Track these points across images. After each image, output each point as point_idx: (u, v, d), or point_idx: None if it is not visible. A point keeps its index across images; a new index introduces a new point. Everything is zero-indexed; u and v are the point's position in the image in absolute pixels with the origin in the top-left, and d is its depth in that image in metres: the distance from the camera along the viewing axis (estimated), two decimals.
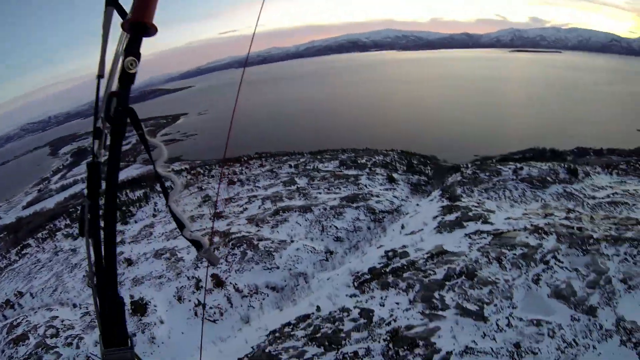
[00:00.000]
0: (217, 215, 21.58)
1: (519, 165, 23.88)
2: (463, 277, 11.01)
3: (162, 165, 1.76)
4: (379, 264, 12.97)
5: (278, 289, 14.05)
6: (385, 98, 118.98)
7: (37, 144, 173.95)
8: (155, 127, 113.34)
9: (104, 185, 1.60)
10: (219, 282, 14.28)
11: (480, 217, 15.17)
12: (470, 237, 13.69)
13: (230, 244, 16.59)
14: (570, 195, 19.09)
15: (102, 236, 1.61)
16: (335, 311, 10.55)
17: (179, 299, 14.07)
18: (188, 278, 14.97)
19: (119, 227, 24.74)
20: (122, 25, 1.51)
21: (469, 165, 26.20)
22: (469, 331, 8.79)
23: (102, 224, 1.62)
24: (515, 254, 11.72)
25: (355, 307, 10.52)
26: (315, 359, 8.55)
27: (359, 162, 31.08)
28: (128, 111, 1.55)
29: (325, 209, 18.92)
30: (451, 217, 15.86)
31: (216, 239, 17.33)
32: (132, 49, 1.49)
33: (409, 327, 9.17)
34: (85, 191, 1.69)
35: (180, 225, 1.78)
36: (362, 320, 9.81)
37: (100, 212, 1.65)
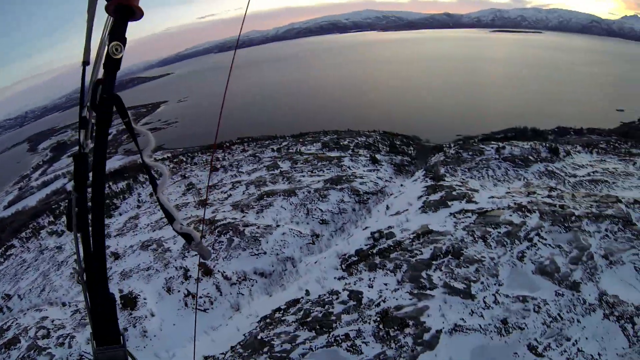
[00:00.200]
0: (202, 203, 21.41)
1: (501, 144, 24.23)
2: (449, 256, 11.22)
3: (150, 154, 1.72)
4: (366, 245, 13.08)
5: (266, 275, 14.07)
6: (365, 79, 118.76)
7: (15, 140, 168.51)
8: (135, 117, 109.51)
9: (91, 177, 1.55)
10: (207, 271, 14.21)
11: (464, 196, 15.38)
12: (455, 217, 13.90)
13: (216, 231, 16.49)
14: (552, 173, 19.55)
15: (90, 230, 1.56)
16: (325, 294, 10.64)
17: (168, 290, 13.98)
18: (176, 268, 14.86)
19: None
20: (107, 8, 1.44)
21: (452, 145, 26.45)
22: (457, 309, 9.01)
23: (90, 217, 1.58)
24: (499, 232, 11.98)
25: (344, 290, 10.62)
26: (307, 343, 8.64)
27: (341, 143, 31.07)
28: (114, 98, 1.50)
29: (309, 192, 18.91)
30: (435, 196, 16.03)
31: (202, 227, 17.18)
32: (117, 34, 1.43)
33: (398, 308, 9.33)
34: (72, 184, 1.63)
35: (170, 218, 1.74)
36: (351, 303, 9.92)
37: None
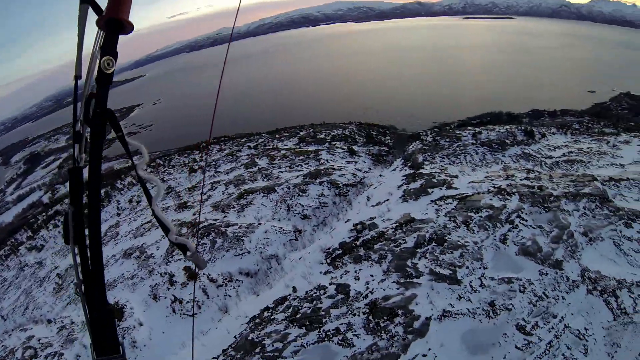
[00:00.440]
0: (182, 206, 21.17)
1: (477, 129, 24.69)
2: (433, 243, 11.39)
3: (144, 167, 1.77)
4: (349, 237, 13.15)
5: (252, 274, 14.02)
6: (337, 72, 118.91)
7: None
8: None
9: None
10: (192, 275, 14.06)
11: (444, 183, 15.64)
12: (436, 203, 14.11)
13: (198, 233, 16.32)
14: (529, 156, 20.07)
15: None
16: (312, 290, 10.67)
17: (155, 297, 13.77)
18: (161, 275, 14.65)
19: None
20: (97, 23, 1.48)
21: (429, 133, 26.79)
22: (445, 295, 9.18)
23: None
24: (481, 216, 12.24)
25: (331, 284, 10.68)
26: (299, 340, 8.66)
27: (318, 137, 31.09)
28: (107, 113, 1.54)
29: (289, 188, 18.90)
30: (415, 184, 16.24)
31: (184, 230, 17.03)
32: (108, 48, 1.47)
33: (386, 298, 9.44)
34: (68, 198, 1.68)
35: (165, 229, 1.77)
36: (339, 296, 9.99)
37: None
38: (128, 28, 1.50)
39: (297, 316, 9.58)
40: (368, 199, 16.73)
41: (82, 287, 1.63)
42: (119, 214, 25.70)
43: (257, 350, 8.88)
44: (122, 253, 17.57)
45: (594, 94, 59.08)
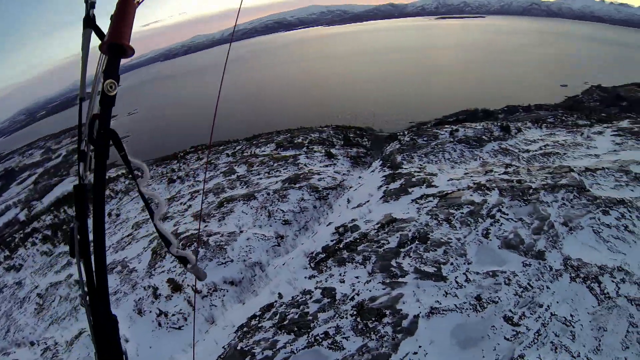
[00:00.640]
0: (162, 217, 20.89)
1: (454, 127, 25.22)
2: (416, 241, 11.55)
3: (146, 184, 1.90)
4: (332, 241, 13.22)
5: (236, 283, 13.93)
6: (310, 76, 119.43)
7: None
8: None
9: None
10: (176, 287, 13.86)
11: (424, 182, 15.89)
12: (417, 202, 14.33)
13: (180, 244, 16.11)
14: (506, 150, 20.59)
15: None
16: (298, 295, 10.68)
17: (140, 312, 13.50)
18: (144, 288, 14.39)
19: (63, 248, 23.63)
20: (100, 47, 1.60)
21: (406, 133, 27.19)
22: (431, 292, 9.30)
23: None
24: (462, 213, 12.49)
25: (316, 288, 10.69)
26: (288, 346, 8.64)
27: (295, 141, 31.18)
28: (110, 133, 1.63)
29: (268, 194, 18.88)
30: (395, 185, 16.45)
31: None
32: (110, 71, 1.57)
33: (373, 299, 9.50)
34: (74, 213, 1.79)
35: (167, 242, 1.90)
36: (325, 300, 10.01)
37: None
38: (129, 52, 1.60)
39: (285, 322, 9.56)
40: (348, 201, 16.85)
41: (87, 298, 1.72)
42: None
43: (247, 359, 8.82)
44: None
45: (566, 88, 61.04)
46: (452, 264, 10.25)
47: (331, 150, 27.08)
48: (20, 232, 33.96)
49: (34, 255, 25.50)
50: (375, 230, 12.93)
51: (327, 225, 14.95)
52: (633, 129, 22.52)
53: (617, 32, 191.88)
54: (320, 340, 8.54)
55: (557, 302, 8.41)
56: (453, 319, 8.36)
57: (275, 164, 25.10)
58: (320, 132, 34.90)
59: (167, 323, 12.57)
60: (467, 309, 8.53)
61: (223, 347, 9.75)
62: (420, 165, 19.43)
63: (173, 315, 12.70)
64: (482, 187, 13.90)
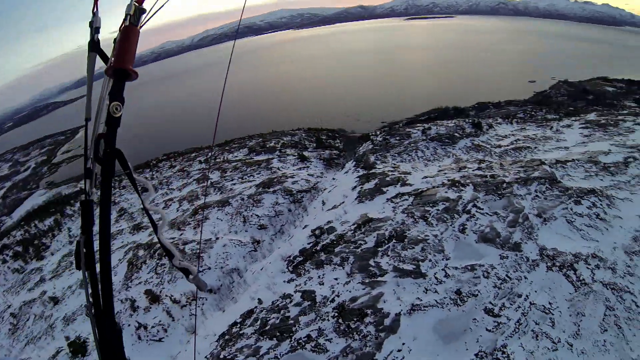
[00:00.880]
0: (137, 228, 20.45)
1: (426, 125, 25.70)
2: (394, 240, 11.72)
3: (150, 200, 2.07)
4: (309, 243, 13.24)
5: (215, 290, 13.76)
6: (281, 80, 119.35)
7: None
8: (54, 145, 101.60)
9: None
10: (154, 298, 13.56)
11: (398, 181, 16.14)
12: (392, 201, 14.54)
13: (156, 254, 15.84)
14: (479, 147, 21.11)
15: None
16: (277, 300, 10.66)
17: None
18: (121, 301, 13.99)
19: (35, 264, 22.78)
20: (106, 72, 1.75)
21: (378, 133, 27.52)
22: (411, 290, 9.46)
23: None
24: (438, 210, 12.76)
25: (296, 292, 10.71)
26: (271, 352, 8.61)
27: (267, 145, 31.05)
28: (116, 152, 1.76)
29: (243, 199, 18.77)
30: (370, 185, 16.64)
31: (141, 252, 16.50)
32: (115, 94, 1.71)
33: (353, 299, 9.59)
34: (80, 227, 1.91)
35: (170, 255, 2.05)
36: (306, 303, 10.03)
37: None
38: (133, 76, 1.75)
39: (267, 328, 9.54)
40: (323, 203, 16.93)
41: (93, 309, 1.84)
42: (71, 242, 24.31)
43: None
44: (78, 283, 16.70)
45: (534, 84, 63.00)
46: (430, 260, 10.46)
47: (304, 153, 27.11)
48: None
49: (5, 272, 24.44)
50: (352, 231, 13.04)
51: (303, 228, 14.98)
52: (600, 121, 23.54)
53: (582, 29, 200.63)
54: (303, 343, 8.56)
55: (536, 291, 8.72)
56: (434, 314, 8.53)
57: (249, 169, 24.96)
58: (293, 135, 34.90)
59: (147, 336, 12.31)
60: (447, 303, 8.72)
61: (205, 357, 9.63)
62: (394, 164, 19.70)
63: (153, 327, 12.44)
64: (457, 184, 14.24)
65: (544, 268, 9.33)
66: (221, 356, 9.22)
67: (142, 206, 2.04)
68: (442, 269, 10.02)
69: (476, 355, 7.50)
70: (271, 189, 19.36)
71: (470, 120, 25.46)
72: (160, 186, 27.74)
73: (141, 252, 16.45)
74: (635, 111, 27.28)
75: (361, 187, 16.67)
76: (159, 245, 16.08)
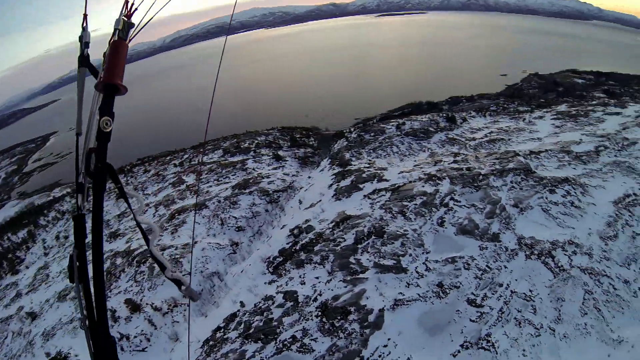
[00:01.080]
0: (113, 235, 20.01)
1: (400, 120, 25.98)
2: (373, 236, 11.83)
3: (141, 213, 2.12)
4: (288, 243, 13.25)
5: (196, 297, 13.60)
6: (251, 80, 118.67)
7: None
8: (25, 154, 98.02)
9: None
10: (134, 307, 13.25)
11: (374, 177, 16.29)
12: (369, 198, 14.67)
13: (134, 262, 15.52)
14: (453, 140, 21.47)
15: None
16: (260, 302, 10.66)
17: None
18: None
19: (10, 279, 21.97)
20: (96, 87, 1.79)
21: (353, 129, 27.71)
22: (393, 285, 9.58)
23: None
24: (416, 204, 12.94)
25: (277, 293, 10.71)
26: (257, 355, 8.60)
27: (242, 146, 30.82)
28: (107, 167, 1.81)
29: (219, 202, 18.59)
30: (346, 182, 16.73)
31: (119, 260, 16.15)
32: (105, 109, 1.75)
33: (336, 298, 9.65)
34: (73, 241, 1.95)
35: (162, 267, 2.13)
36: (288, 304, 10.05)
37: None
38: (122, 90, 1.79)
39: (251, 331, 9.53)
40: (300, 202, 16.94)
41: (87, 321, 1.85)
42: (46, 254, 23.59)
43: None
44: (56, 296, 16.21)
45: (506, 77, 64.74)
46: (410, 255, 10.60)
47: (279, 152, 27.02)
48: None
49: None
50: (330, 229, 13.10)
51: (281, 228, 14.96)
52: (570, 112, 24.26)
53: (551, 24, 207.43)
54: (288, 345, 8.57)
55: (516, 280, 8.96)
56: (418, 308, 8.66)
57: (224, 171, 24.74)
58: (267, 135, 34.78)
59: (130, 346, 12.05)
60: (430, 296, 8.86)
61: None
62: (370, 160, 19.85)
63: (135, 337, 12.19)
64: (433, 178, 14.45)
65: (522, 257, 9.59)
66: None
67: (134, 220, 2.09)
68: (423, 263, 10.17)
69: (461, 345, 7.67)
70: (247, 190, 19.25)
71: (444, 114, 25.91)
72: (135, 191, 27.23)
73: (119, 260, 16.14)
74: (604, 101, 28.25)
75: (337, 185, 16.75)
76: (136, 252, 15.90)
